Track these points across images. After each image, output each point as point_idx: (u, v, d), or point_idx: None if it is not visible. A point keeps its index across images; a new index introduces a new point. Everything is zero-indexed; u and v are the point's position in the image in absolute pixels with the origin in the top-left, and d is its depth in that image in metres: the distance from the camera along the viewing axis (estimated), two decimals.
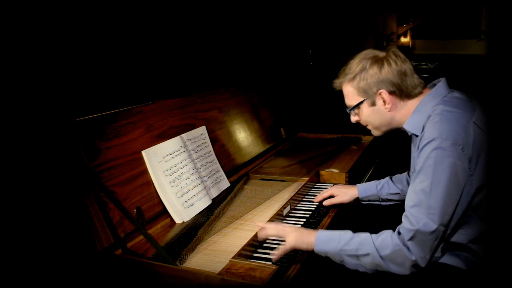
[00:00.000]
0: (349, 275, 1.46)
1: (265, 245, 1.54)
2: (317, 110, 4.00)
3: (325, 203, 1.84)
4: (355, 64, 1.48)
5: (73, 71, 1.75)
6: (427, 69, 5.02)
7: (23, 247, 1.44)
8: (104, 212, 1.44)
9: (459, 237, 1.40)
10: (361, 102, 1.51)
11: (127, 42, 2.03)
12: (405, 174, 1.89)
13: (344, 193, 1.87)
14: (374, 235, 1.37)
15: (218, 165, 1.99)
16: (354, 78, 1.48)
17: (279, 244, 1.53)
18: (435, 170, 1.28)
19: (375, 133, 1.60)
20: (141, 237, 1.52)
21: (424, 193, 1.29)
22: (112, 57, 1.94)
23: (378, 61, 1.45)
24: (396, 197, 1.87)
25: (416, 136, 1.46)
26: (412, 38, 5.38)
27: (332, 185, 2.13)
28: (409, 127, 1.48)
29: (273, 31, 3.54)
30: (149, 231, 1.57)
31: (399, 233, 1.32)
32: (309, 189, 2.05)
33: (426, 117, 1.41)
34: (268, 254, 1.47)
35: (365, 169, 2.49)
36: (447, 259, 1.45)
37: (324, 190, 1.94)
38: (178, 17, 2.38)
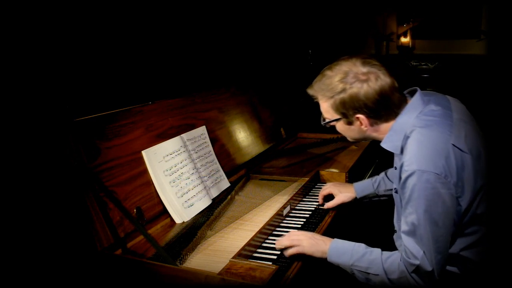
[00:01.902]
0: (349, 275, 1.46)
1: (265, 245, 1.54)
2: (317, 110, 4.00)
3: (326, 206, 1.84)
4: (335, 82, 1.38)
5: (73, 71, 1.75)
6: (427, 69, 5.02)
7: (24, 247, 1.44)
8: (104, 212, 1.44)
9: (451, 247, 1.39)
10: (336, 120, 1.45)
11: (127, 42, 2.03)
12: None
13: (343, 193, 1.87)
14: (384, 255, 1.37)
15: (218, 165, 1.99)
16: (331, 97, 1.40)
17: None
18: (420, 204, 1.26)
19: (349, 140, 1.57)
20: (141, 237, 1.52)
21: (414, 226, 1.28)
22: (112, 57, 1.95)
23: (358, 82, 1.34)
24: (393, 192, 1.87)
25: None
26: (412, 38, 5.38)
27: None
28: (386, 146, 1.44)
29: (273, 31, 3.54)
30: (149, 231, 1.57)
31: (404, 264, 1.32)
32: (309, 189, 2.05)
33: (403, 137, 1.36)
34: (268, 254, 1.47)
35: (365, 169, 2.49)
36: None
37: (323, 188, 1.93)
38: (178, 17, 2.38)
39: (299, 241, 1.45)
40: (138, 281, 1.35)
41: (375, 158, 2.67)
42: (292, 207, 1.84)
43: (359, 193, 1.89)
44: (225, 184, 1.99)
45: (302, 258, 1.44)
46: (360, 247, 1.41)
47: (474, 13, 5.02)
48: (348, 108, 1.38)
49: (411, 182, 1.27)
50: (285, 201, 1.81)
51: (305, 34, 4.25)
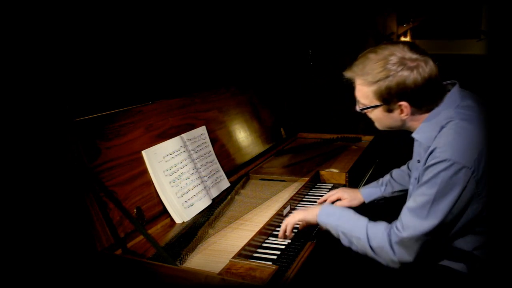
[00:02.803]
0: (349, 275, 1.46)
1: (265, 245, 1.54)
2: (317, 110, 4.00)
3: (337, 205, 1.82)
4: (379, 66, 1.32)
5: (73, 71, 1.75)
6: None
7: (24, 247, 1.44)
8: (104, 212, 1.43)
9: (464, 244, 1.39)
10: (376, 106, 1.39)
11: (127, 42, 2.03)
12: (405, 168, 1.87)
13: (352, 198, 1.85)
14: (370, 223, 1.40)
15: (218, 165, 1.99)
16: (375, 82, 1.33)
17: (279, 244, 1.53)
18: (439, 190, 1.25)
19: (379, 128, 1.51)
20: (141, 237, 1.52)
21: (423, 207, 1.28)
22: (112, 57, 1.94)
23: (408, 68, 1.29)
24: (401, 193, 1.86)
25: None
26: (412, 38, 5.38)
27: (331, 185, 2.13)
28: (418, 137, 1.41)
29: (273, 31, 3.54)
30: (149, 231, 1.57)
31: (389, 233, 1.34)
32: (309, 189, 2.05)
33: (438, 128, 1.33)
34: (268, 254, 1.47)
35: (365, 169, 2.48)
36: (449, 263, 1.45)
37: (331, 192, 1.89)
38: (178, 17, 2.38)
39: (292, 216, 1.56)
40: (138, 281, 1.35)
41: (375, 158, 2.67)
42: (292, 207, 1.84)
43: (366, 198, 1.88)
44: (225, 184, 1.99)
45: (301, 258, 1.44)
46: (349, 211, 1.48)
47: (474, 13, 5.02)
48: (393, 94, 1.33)
49: (438, 168, 1.26)
50: (285, 201, 1.80)
51: (305, 34, 4.25)
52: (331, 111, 4.13)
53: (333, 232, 1.47)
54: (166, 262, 1.31)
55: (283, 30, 3.76)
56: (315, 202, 1.91)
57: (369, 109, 1.42)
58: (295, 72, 3.98)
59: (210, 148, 1.99)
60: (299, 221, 1.55)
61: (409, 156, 1.89)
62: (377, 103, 1.38)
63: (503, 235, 1.39)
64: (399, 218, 1.34)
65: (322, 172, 2.18)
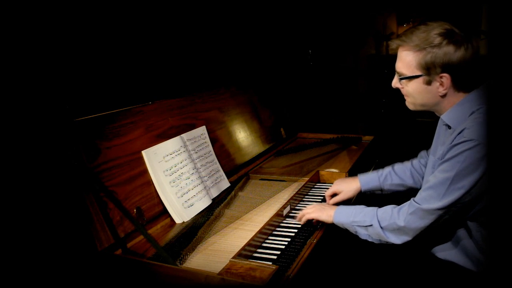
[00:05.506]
0: (349, 275, 1.46)
1: (265, 245, 1.54)
2: (317, 110, 4.00)
3: (331, 202, 1.84)
4: (432, 34, 1.33)
5: (73, 71, 1.75)
6: None
7: (24, 247, 1.44)
8: (104, 212, 1.43)
9: (475, 234, 1.41)
10: (416, 76, 1.38)
11: (127, 42, 2.03)
12: (408, 163, 1.87)
13: (347, 190, 1.86)
14: (379, 209, 1.47)
15: (218, 165, 1.99)
16: (421, 49, 1.34)
17: (279, 244, 1.53)
18: (462, 169, 1.28)
19: (410, 106, 1.50)
20: (141, 237, 1.52)
21: (443, 183, 1.31)
22: (112, 57, 1.95)
23: (456, 42, 1.31)
24: (399, 188, 1.86)
25: (450, 128, 1.43)
26: None
27: (331, 185, 2.13)
28: (447, 119, 1.41)
29: (273, 31, 3.54)
30: (149, 231, 1.58)
31: (400, 207, 1.41)
32: (309, 189, 2.05)
33: (469, 113, 1.36)
34: (268, 254, 1.47)
35: (365, 169, 2.48)
36: (457, 259, 1.46)
37: (328, 190, 1.91)
38: (178, 17, 2.38)
39: (308, 213, 1.63)
40: (138, 281, 1.35)
41: (375, 158, 2.67)
42: (292, 207, 1.84)
43: (363, 185, 1.88)
44: (225, 184, 1.99)
45: (301, 258, 1.44)
46: (361, 206, 1.54)
47: (474, 13, 5.01)
48: (438, 64, 1.33)
49: (464, 146, 1.28)
50: (285, 201, 1.80)
51: (305, 34, 4.25)
52: (331, 111, 4.14)
53: (351, 229, 1.54)
54: (166, 262, 1.31)
55: (283, 30, 3.77)
56: (315, 202, 1.91)
57: (409, 80, 1.41)
58: (295, 72, 3.98)
59: (210, 148, 1.99)
60: (313, 218, 1.62)
61: (409, 158, 1.89)
62: (418, 73, 1.37)
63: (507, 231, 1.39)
64: (418, 193, 1.39)
65: (322, 172, 2.18)
